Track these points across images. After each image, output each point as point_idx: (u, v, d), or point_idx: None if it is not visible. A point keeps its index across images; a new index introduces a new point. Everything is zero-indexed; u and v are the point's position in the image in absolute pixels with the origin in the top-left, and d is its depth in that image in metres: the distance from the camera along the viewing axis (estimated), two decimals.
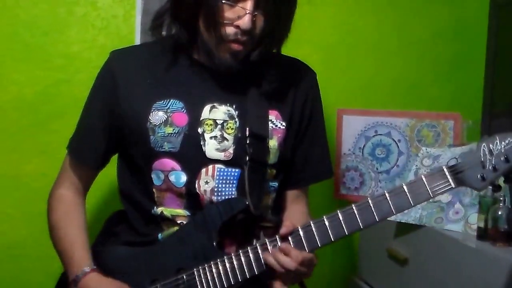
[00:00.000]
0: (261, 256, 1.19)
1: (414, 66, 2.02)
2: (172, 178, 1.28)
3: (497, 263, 1.27)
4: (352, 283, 1.91)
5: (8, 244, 1.77)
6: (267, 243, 1.19)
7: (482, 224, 1.38)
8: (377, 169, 1.88)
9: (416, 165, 1.71)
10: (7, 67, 1.74)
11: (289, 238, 1.19)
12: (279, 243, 1.19)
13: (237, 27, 1.20)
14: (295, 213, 1.42)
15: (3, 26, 1.73)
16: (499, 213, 1.34)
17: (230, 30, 1.21)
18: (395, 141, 1.87)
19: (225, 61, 1.24)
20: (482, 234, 1.37)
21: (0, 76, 1.74)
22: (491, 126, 1.98)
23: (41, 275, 1.76)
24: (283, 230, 1.19)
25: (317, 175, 1.46)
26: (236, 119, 1.30)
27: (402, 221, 1.56)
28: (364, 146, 1.89)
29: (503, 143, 1.10)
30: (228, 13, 1.20)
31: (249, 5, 1.19)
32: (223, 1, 1.19)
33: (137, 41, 1.77)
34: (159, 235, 1.30)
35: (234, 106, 1.30)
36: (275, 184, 1.37)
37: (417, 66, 2.02)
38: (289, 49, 1.37)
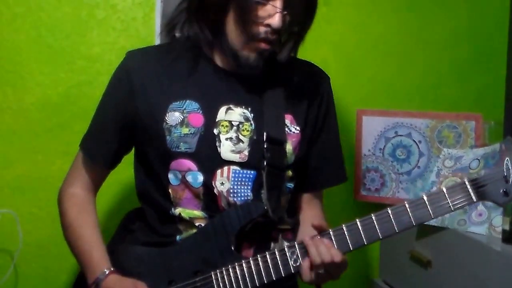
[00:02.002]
0: (279, 261, 1.19)
1: (434, 66, 2.00)
2: (189, 178, 1.28)
3: None
4: (374, 285, 1.90)
5: (33, 244, 1.78)
6: (286, 249, 1.20)
7: (507, 227, 1.36)
8: (397, 170, 1.86)
9: (438, 167, 1.69)
10: (31, 70, 1.76)
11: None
12: (297, 249, 1.19)
13: (267, 25, 1.21)
14: (310, 219, 1.40)
15: (27, 29, 1.75)
16: None
17: (260, 29, 1.21)
18: (416, 142, 1.86)
19: (252, 61, 1.24)
20: (508, 237, 1.35)
21: (24, 78, 1.76)
22: None
23: (66, 274, 1.78)
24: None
25: (331, 179, 1.45)
26: (252, 122, 1.30)
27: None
28: (384, 147, 1.88)
29: None
30: (259, 12, 1.21)
31: (279, 4, 1.20)
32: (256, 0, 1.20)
33: (157, 43, 1.77)
34: (178, 237, 1.30)
35: (249, 109, 1.31)
36: (291, 185, 1.37)
37: (437, 66, 2.00)
38: (308, 50, 1.37)
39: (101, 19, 1.79)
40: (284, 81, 1.35)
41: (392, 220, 1.14)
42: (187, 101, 1.29)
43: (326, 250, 1.16)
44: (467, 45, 2.01)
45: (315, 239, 1.18)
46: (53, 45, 1.77)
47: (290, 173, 1.35)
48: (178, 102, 1.29)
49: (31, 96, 1.77)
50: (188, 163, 1.28)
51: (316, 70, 1.43)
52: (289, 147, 1.32)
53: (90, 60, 1.79)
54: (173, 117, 1.28)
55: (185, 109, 1.28)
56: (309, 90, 1.38)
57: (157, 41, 1.78)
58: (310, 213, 1.44)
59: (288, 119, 1.34)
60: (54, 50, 1.77)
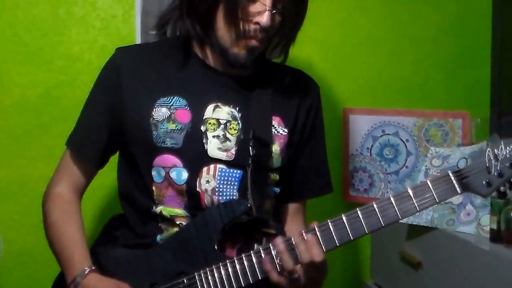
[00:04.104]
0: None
1: (420, 64, 1.99)
2: (173, 175, 1.27)
3: None
4: (364, 287, 1.89)
5: (16, 251, 1.75)
6: (271, 247, 1.16)
7: (495, 226, 1.35)
8: (386, 170, 1.85)
9: (426, 166, 1.68)
10: (8, 70, 1.72)
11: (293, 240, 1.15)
12: None
13: (257, 23, 1.22)
14: (295, 228, 1.40)
15: (3, 27, 1.71)
16: None
17: (249, 26, 1.22)
18: (403, 141, 1.84)
19: (242, 57, 1.24)
20: (496, 236, 1.35)
21: (2, 79, 1.72)
22: (500, 124, 1.95)
23: (50, 282, 1.72)
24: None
25: (317, 189, 1.46)
26: (239, 121, 1.30)
27: (413, 223, 1.54)
28: (371, 146, 1.86)
29: (508, 148, 1.09)
30: (249, 9, 1.22)
31: (268, 2, 1.21)
32: None
33: (137, 41, 1.76)
34: (158, 237, 1.28)
35: (237, 108, 1.30)
36: (276, 189, 1.37)
37: (423, 64, 1.99)
38: (292, 48, 1.35)
39: (80, 17, 1.75)
40: (274, 84, 1.36)
41: (378, 214, 1.12)
42: (175, 97, 1.29)
43: (306, 250, 1.12)
44: (453, 42, 2.01)
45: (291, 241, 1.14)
46: (31, 44, 1.73)
47: (277, 177, 1.35)
48: (166, 98, 1.28)
49: (9, 98, 1.73)
50: (173, 159, 1.27)
51: (306, 78, 1.44)
52: (276, 147, 1.32)
53: (70, 59, 1.75)
54: (160, 112, 1.27)
55: (172, 105, 1.28)
56: (298, 95, 1.38)
57: (137, 38, 1.76)
58: (294, 225, 1.43)
59: (276, 121, 1.34)
60: (32, 50, 1.73)
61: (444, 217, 1.49)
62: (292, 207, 1.45)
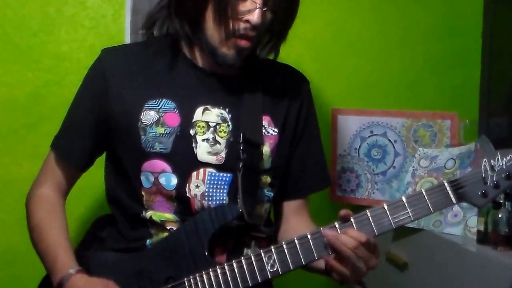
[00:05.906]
0: (255, 266, 1.16)
1: (410, 65, 2.00)
2: (162, 180, 1.25)
3: (499, 267, 1.26)
4: None
5: (0, 251, 1.74)
6: (262, 254, 1.16)
7: (482, 228, 1.36)
8: (373, 170, 1.84)
9: (413, 166, 1.68)
10: None
11: (284, 247, 1.15)
12: (274, 254, 1.16)
13: (247, 22, 1.19)
14: (299, 227, 1.38)
15: None
16: (499, 216, 1.32)
17: (239, 25, 1.20)
18: (391, 142, 1.84)
19: (231, 58, 1.22)
20: (482, 238, 1.35)
21: None
22: (489, 125, 1.96)
23: (35, 282, 1.71)
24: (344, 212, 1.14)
25: (317, 183, 1.44)
26: (229, 123, 1.28)
27: None
28: (359, 146, 1.86)
29: (504, 159, 1.10)
30: (239, 8, 1.19)
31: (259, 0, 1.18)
32: None
33: (127, 40, 1.75)
34: (148, 241, 1.27)
35: (227, 110, 1.29)
36: (270, 193, 1.35)
37: (412, 65, 2.00)
38: (282, 48, 1.34)
39: (70, 16, 1.75)
40: (264, 83, 1.34)
41: (372, 223, 1.12)
42: (163, 100, 1.27)
43: (348, 237, 1.11)
44: (442, 43, 2.01)
45: (334, 232, 1.13)
46: (20, 44, 1.73)
47: (268, 179, 1.33)
48: (154, 101, 1.26)
49: None
50: (162, 164, 1.25)
51: (296, 74, 1.43)
52: (266, 149, 1.31)
53: (58, 58, 1.75)
54: (148, 116, 1.25)
55: (160, 108, 1.26)
56: (288, 93, 1.37)
57: (127, 38, 1.76)
58: (298, 221, 1.41)
59: (266, 121, 1.32)
60: (21, 49, 1.73)
61: (431, 218, 1.50)
62: (295, 204, 1.42)
